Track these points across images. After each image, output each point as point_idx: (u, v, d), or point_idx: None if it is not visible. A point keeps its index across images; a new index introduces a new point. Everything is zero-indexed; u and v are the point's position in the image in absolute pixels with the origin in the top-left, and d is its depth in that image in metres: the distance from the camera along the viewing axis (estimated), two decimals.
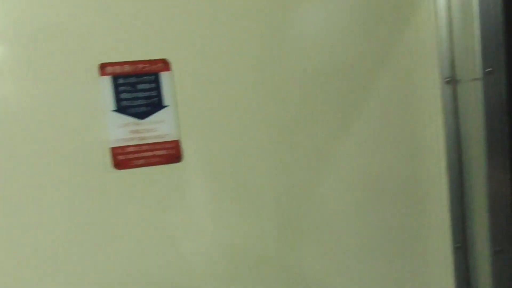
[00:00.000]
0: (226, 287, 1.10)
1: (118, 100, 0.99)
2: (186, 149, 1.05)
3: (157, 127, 1.02)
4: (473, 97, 1.12)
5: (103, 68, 0.98)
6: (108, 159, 1.00)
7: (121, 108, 1.00)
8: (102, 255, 1.01)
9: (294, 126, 1.11)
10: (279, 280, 1.12)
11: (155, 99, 1.01)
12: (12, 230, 0.96)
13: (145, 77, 1.01)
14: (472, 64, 1.12)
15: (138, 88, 1.01)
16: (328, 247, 1.16)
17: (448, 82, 1.15)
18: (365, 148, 1.16)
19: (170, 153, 1.04)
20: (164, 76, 1.02)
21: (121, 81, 0.99)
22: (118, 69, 0.99)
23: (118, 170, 1.01)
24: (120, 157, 1.01)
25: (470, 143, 1.15)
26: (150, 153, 1.03)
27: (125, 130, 1.00)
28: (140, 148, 1.02)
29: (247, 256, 1.11)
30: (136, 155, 1.02)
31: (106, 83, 0.99)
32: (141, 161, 1.02)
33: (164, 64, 1.02)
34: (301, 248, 1.15)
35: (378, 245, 1.19)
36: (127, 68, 1.00)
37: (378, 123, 1.16)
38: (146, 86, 1.01)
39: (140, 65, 1.00)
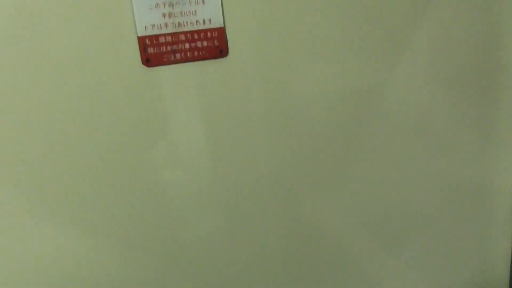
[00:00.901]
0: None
1: None
2: (233, 40, 0.81)
3: (197, 9, 0.78)
4: None
5: None
6: (135, 53, 0.77)
7: None
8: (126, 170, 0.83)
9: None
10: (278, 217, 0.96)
11: None
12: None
13: None
14: None
15: None
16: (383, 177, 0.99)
17: None
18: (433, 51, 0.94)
19: (213, 44, 0.80)
20: None
21: None
22: None
23: (149, 68, 0.78)
24: (151, 50, 0.77)
25: None
26: (188, 45, 0.79)
27: (156, 13, 0.76)
28: (177, 37, 0.78)
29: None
30: (171, 47, 0.78)
31: None
32: (178, 56, 0.79)
33: None
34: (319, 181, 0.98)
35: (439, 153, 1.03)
36: None
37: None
38: None
39: None
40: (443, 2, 0.92)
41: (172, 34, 0.78)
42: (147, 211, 0.86)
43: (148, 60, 0.78)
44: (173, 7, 0.76)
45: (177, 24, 0.77)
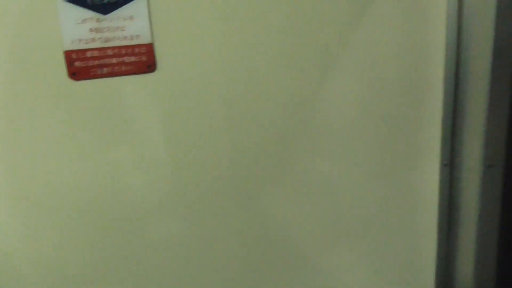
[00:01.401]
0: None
1: None
2: (161, 55, 0.84)
3: (125, 25, 0.80)
4: None
5: None
6: (62, 67, 0.78)
7: None
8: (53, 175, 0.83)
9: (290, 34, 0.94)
10: (232, 217, 1.02)
11: None
12: None
13: None
14: None
15: None
16: (327, 158, 1.06)
17: None
18: (365, 56, 1.03)
19: (141, 60, 0.83)
20: None
21: None
22: None
23: (75, 81, 0.79)
24: (78, 64, 0.79)
25: (474, 50, 1.05)
26: (116, 60, 0.81)
27: (83, 28, 0.77)
28: (104, 52, 0.80)
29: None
30: (98, 62, 0.80)
31: None
32: (105, 70, 0.81)
33: None
34: (274, 175, 1.04)
35: (370, 161, 1.12)
36: None
37: (374, 31, 1.02)
38: None
39: None
40: (374, 22, 1.01)
41: (99, 49, 0.79)
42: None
43: (75, 74, 0.79)
44: (100, 23, 0.78)
45: (104, 39, 0.79)
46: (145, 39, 0.82)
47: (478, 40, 1.03)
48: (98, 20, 0.77)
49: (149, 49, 0.83)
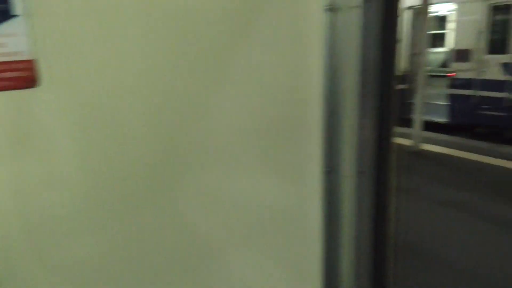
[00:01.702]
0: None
1: None
2: (44, 71, 0.88)
3: (7, 42, 0.82)
4: (352, 25, 1.14)
5: None
6: None
7: None
8: None
9: (173, 55, 1.01)
10: (150, 223, 1.07)
11: (2, 5, 0.80)
12: None
13: None
14: None
15: None
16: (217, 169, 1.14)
17: (328, 10, 1.15)
18: (248, 85, 1.13)
19: (23, 75, 0.86)
20: None
21: None
22: None
23: None
24: None
25: (346, 74, 1.19)
26: None
27: None
28: None
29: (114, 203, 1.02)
30: None
31: None
32: None
33: None
34: (177, 183, 1.10)
35: (258, 169, 1.21)
36: None
37: (261, 52, 1.12)
38: None
39: None
40: (256, 48, 1.11)
41: None
42: None
43: None
44: None
45: None
46: (27, 55, 0.85)
47: (347, 63, 1.17)
48: None
49: (31, 65, 0.86)
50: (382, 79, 1.16)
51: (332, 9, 1.16)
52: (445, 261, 3.74)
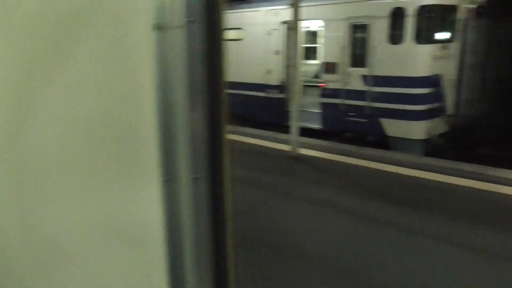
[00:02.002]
0: None
1: None
2: None
3: None
4: (178, 44, 1.23)
5: None
6: None
7: None
8: None
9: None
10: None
11: None
12: None
13: None
14: (177, 12, 1.22)
15: None
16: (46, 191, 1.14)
17: (156, 28, 1.23)
18: (79, 95, 1.15)
19: None
20: None
21: None
22: None
23: None
24: None
25: (176, 87, 1.28)
26: None
27: None
28: None
29: None
30: None
31: None
32: None
33: None
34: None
35: (97, 182, 1.24)
36: None
37: (90, 70, 1.15)
38: None
39: None
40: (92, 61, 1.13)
41: None
42: None
43: None
44: None
45: None
46: None
47: (176, 78, 1.26)
48: None
49: None
50: (210, 90, 1.27)
51: (159, 27, 1.23)
52: (300, 252, 4.07)
